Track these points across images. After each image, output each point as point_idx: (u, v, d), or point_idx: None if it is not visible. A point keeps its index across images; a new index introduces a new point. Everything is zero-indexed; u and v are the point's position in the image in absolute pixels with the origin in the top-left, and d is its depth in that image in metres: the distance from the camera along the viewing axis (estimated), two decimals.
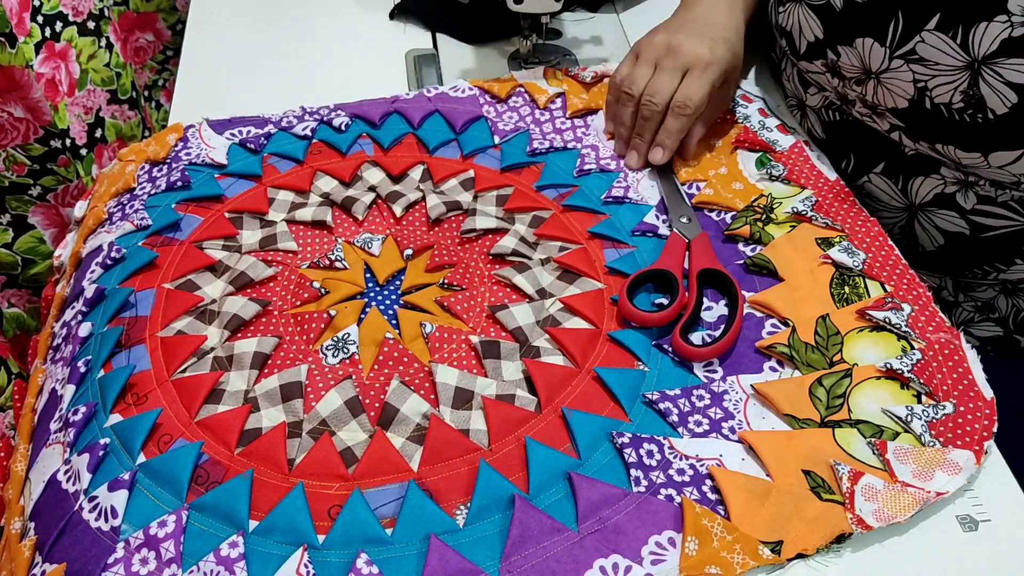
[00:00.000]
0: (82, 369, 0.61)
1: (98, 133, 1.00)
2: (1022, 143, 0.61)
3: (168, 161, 0.77)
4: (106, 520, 0.52)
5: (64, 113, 0.92)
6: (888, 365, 0.58)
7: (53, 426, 0.59)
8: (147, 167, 0.78)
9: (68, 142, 0.89)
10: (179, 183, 0.74)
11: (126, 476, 0.54)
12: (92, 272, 0.68)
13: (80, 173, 0.93)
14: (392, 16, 1.00)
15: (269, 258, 0.69)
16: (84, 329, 0.64)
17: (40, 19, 0.90)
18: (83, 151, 0.95)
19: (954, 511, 0.53)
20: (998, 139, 0.62)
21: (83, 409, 0.58)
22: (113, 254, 0.68)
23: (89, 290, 0.66)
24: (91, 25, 0.98)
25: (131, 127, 1.07)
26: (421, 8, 1.00)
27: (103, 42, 1.01)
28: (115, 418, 0.58)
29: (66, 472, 0.55)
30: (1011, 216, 0.68)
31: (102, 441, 0.56)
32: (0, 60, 0.78)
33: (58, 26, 0.92)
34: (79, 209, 0.77)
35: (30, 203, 0.89)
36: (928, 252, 0.68)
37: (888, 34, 0.64)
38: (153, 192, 0.74)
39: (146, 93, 1.20)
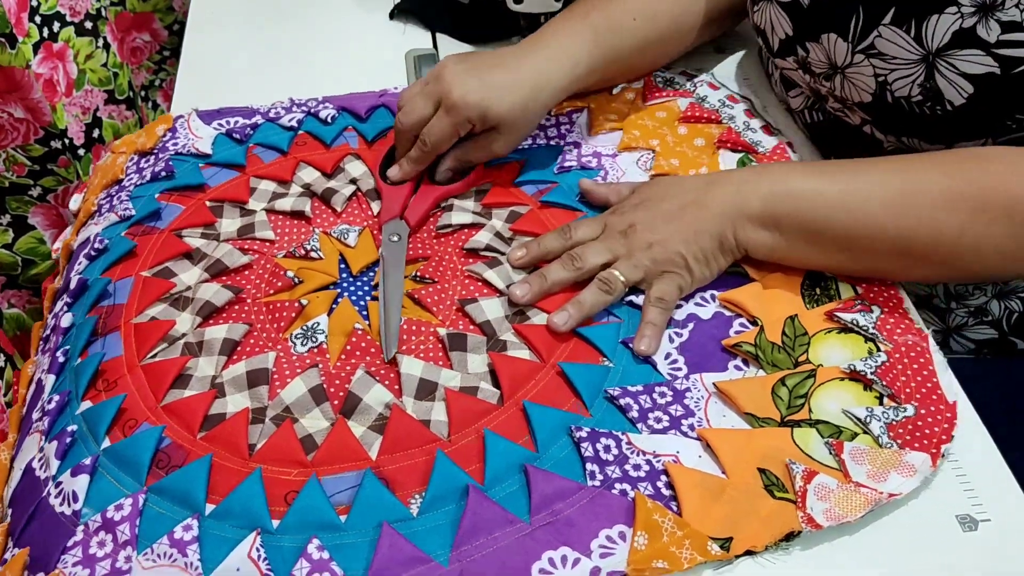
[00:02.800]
0: (61, 359, 0.62)
1: (95, 133, 1.00)
2: (982, 133, 0.61)
3: (155, 151, 0.78)
4: (68, 505, 0.53)
5: (62, 113, 0.93)
6: (852, 367, 0.57)
7: (35, 415, 0.60)
8: (135, 158, 0.78)
9: (67, 142, 0.90)
10: (163, 173, 0.75)
11: (88, 461, 0.54)
12: (79, 264, 0.69)
13: (79, 173, 0.94)
14: (392, 16, 1.01)
15: (246, 246, 0.69)
16: (67, 320, 0.65)
17: (38, 19, 0.90)
18: (81, 151, 0.96)
19: (954, 511, 0.53)
20: (959, 130, 0.62)
21: (57, 398, 0.59)
22: (97, 245, 0.69)
23: (74, 281, 0.67)
24: (88, 25, 0.99)
25: (128, 127, 1.08)
26: (421, 8, 1.00)
27: (100, 42, 1.02)
28: (86, 405, 0.59)
29: (40, 459, 0.56)
30: None
31: (70, 428, 0.57)
32: (0, 61, 0.79)
33: (56, 26, 0.93)
34: (75, 203, 0.78)
35: (30, 204, 0.90)
36: None
37: (850, 29, 0.65)
38: (139, 183, 0.75)
39: (143, 93, 1.21)
